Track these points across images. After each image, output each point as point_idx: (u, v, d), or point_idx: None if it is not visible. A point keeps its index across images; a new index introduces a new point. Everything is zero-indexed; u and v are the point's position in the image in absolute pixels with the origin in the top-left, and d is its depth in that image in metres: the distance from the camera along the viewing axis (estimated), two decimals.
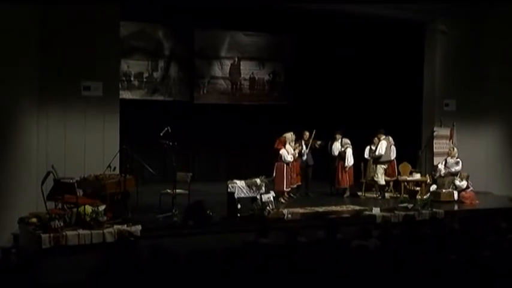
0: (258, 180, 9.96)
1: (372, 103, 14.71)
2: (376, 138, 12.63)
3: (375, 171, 12.31)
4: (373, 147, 12.56)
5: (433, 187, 12.25)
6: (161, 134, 9.77)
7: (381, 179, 12.30)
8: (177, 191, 9.59)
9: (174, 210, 9.35)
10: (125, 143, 9.52)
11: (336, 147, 12.56)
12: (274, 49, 15.01)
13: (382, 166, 12.30)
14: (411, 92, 13.84)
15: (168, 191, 9.71)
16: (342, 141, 12.44)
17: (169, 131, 9.81)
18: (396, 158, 12.57)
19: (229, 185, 9.81)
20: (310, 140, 12.49)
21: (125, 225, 8.25)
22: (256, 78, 15.00)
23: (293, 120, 13.92)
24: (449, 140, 13.20)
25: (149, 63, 13.79)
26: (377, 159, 12.30)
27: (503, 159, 13.46)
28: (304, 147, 12.31)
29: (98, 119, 10.41)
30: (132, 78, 13.59)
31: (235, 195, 9.65)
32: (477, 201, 11.78)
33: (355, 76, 14.98)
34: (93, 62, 10.22)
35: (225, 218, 9.42)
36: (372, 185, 12.54)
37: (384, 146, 12.24)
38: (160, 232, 8.44)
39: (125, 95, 13.18)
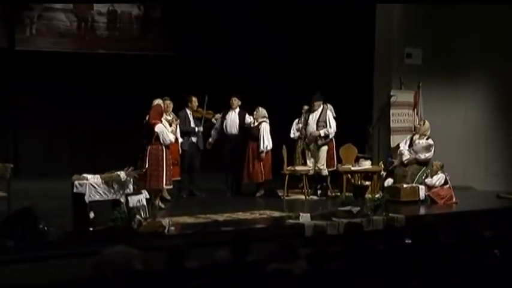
0: (122, 174, 9.80)
1: (297, 55, 14.88)
2: (305, 107, 12.78)
3: (317, 157, 12.50)
4: (302, 121, 12.74)
5: (390, 181, 12.59)
6: None
7: (325, 168, 12.53)
8: None
9: None
10: None
11: (232, 119, 12.68)
12: None
13: (326, 147, 12.52)
14: (356, 39, 14.08)
15: None
16: (257, 111, 12.56)
17: None
18: (335, 137, 12.76)
19: (76, 183, 9.58)
20: (203, 111, 12.54)
21: None
22: (119, 11, 14.89)
23: (176, 79, 13.88)
24: (413, 109, 13.59)
25: None
26: (324, 139, 12.49)
27: (488, 137, 14.03)
28: (192, 121, 12.37)
29: None
30: None
31: (86, 198, 9.48)
32: (455, 201, 12.26)
33: (273, 14, 15.00)
34: None
35: (69, 234, 9.29)
36: (299, 178, 12.68)
37: (331, 117, 12.44)
38: None
39: None
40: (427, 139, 12.62)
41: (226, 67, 14.72)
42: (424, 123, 12.79)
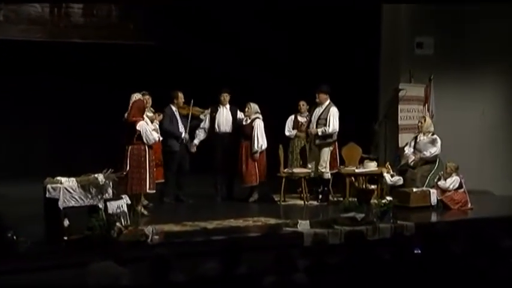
0: (99, 177, 9.75)
1: (295, 46, 14.90)
2: (301, 104, 12.83)
3: (319, 158, 12.48)
4: (302, 118, 12.84)
5: (400, 180, 12.50)
6: None
7: (328, 171, 12.49)
8: None
9: None
10: None
11: (225, 117, 12.69)
12: None
13: (329, 148, 12.49)
14: (361, 27, 14.06)
15: None
16: (249, 108, 12.57)
17: None
18: (337, 136, 12.72)
19: (49, 186, 9.54)
20: (190, 108, 12.54)
21: None
22: None
23: (157, 72, 14.02)
24: (424, 105, 13.60)
25: None
26: (324, 139, 12.46)
27: (507, 136, 14.03)
28: (179, 119, 12.37)
29: None
30: None
31: (60, 204, 9.42)
32: (470, 206, 12.24)
33: (267, 6, 14.91)
34: None
35: (41, 245, 9.21)
36: (298, 182, 12.66)
37: (336, 116, 12.37)
38: None
39: None
40: (431, 134, 12.66)
41: (213, 61, 14.73)
42: (424, 121, 12.80)
